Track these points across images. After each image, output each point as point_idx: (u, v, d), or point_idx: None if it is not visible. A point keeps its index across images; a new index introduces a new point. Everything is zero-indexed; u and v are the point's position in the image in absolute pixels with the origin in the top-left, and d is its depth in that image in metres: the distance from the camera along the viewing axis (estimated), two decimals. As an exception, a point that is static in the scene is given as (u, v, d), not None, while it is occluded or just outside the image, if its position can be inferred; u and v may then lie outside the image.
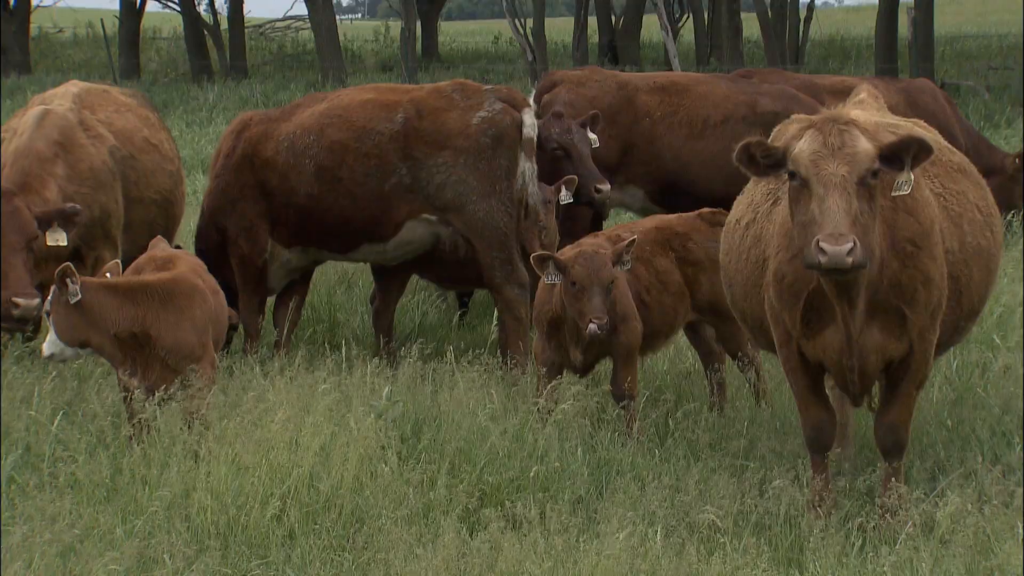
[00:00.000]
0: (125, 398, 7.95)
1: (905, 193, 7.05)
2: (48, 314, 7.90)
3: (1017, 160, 14.28)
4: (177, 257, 8.64)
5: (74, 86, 10.69)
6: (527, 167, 10.15)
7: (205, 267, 8.72)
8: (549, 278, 8.37)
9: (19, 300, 8.83)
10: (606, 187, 10.59)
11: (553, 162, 10.64)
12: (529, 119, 10.18)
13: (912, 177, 7.02)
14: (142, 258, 8.79)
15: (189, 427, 7.65)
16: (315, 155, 10.21)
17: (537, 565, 6.51)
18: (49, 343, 7.91)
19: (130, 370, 7.94)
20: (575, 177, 10.31)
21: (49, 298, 7.90)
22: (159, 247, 8.92)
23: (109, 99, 10.72)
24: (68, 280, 7.82)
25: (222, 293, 8.62)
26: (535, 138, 10.19)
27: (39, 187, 9.53)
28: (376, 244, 10.31)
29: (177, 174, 10.91)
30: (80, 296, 7.82)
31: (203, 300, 8.15)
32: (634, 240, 8.54)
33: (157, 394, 7.78)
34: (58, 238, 9.22)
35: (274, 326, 10.66)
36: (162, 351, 7.94)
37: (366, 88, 10.77)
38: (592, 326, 8.17)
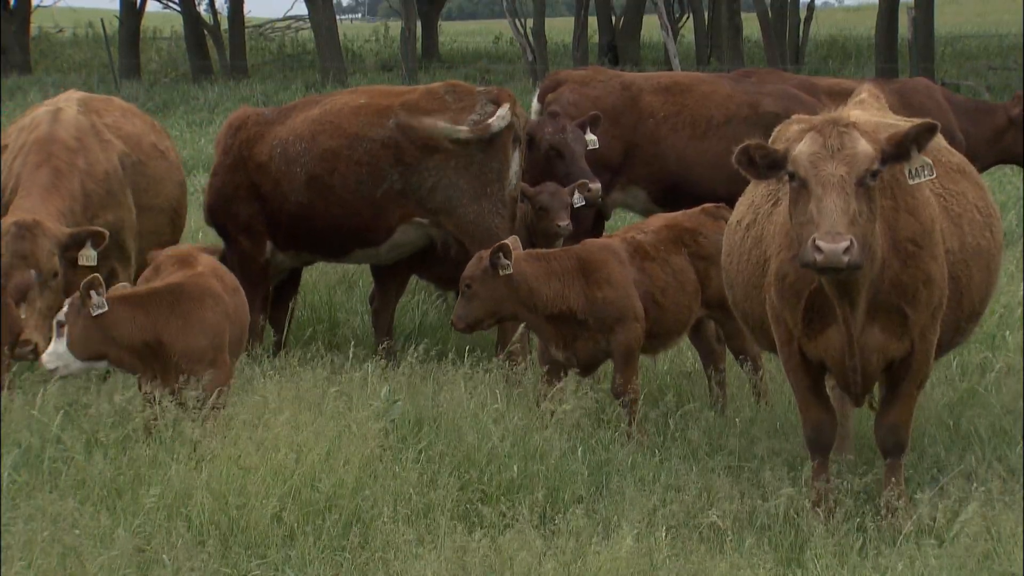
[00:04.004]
0: (146, 396, 7.92)
1: (931, 176, 7.05)
2: (60, 326, 7.80)
3: (1018, 109, 14.17)
4: (197, 255, 8.60)
5: (76, 93, 10.43)
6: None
7: (224, 267, 8.68)
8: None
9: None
10: (597, 187, 10.53)
11: (546, 162, 10.62)
12: (502, 112, 10.09)
13: (929, 160, 7.03)
14: (162, 256, 8.75)
15: (206, 430, 7.64)
16: (306, 163, 10.17)
17: (537, 565, 6.51)
18: (55, 356, 7.78)
19: (150, 378, 7.90)
20: (592, 185, 10.30)
21: (63, 310, 7.82)
22: (186, 248, 8.93)
23: (113, 104, 10.51)
24: (94, 292, 7.74)
25: (243, 294, 8.59)
26: (497, 131, 10.05)
27: (67, 178, 9.30)
28: (369, 248, 10.31)
29: (183, 183, 10.65)
30: (105, 309, 7.76)
31: (215, 302, 8.12)
32: (505, 244, 8.59)
33: (168, 396, 7.76)
34: (89, 256, 8.97)
35: (271, 327, 10.65)
36: (175, 357, 7.92)
37: (359, 92, 10.70)
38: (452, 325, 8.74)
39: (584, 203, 10.27)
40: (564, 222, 9.97)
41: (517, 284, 8.54)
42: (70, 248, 8.96)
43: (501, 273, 8.51)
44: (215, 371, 7.96)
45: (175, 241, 10.33)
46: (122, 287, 8.36)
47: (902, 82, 14.62)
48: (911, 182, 7.07)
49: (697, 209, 9.35)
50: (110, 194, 9.60)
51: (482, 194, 10.07)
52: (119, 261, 9.57)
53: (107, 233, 9.09)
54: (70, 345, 7.79)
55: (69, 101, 10.08)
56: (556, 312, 8.60)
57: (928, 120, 7.06)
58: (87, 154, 9.57)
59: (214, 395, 7.82)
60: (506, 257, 8.49)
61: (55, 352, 7.81)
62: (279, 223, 10.31)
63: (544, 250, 9.07)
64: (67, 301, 7.84)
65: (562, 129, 10.71)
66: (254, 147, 10.34)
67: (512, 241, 8.74)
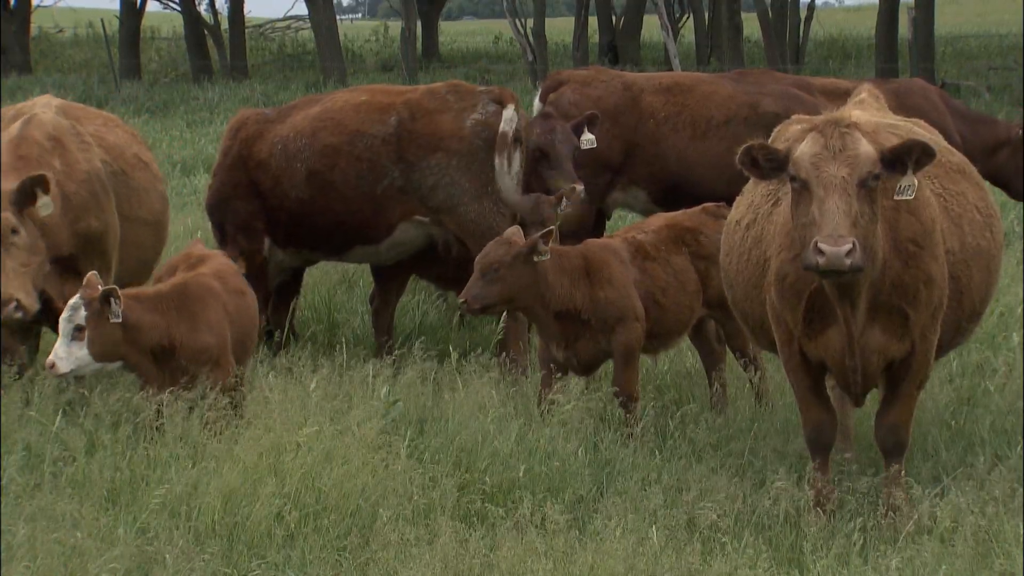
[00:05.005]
0: (146, 397, 7.89)
1: (909, 198, 7.04)
2: (79, 330, 7.73)
3: (1021, 131, 14.15)
4: (208, 257, 8.60)
5: (53, 100, 9.77)
6: (502, 163, 10.17)
7: (236, 270, 8.65)
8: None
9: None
10: (579, 188, 10.48)
11: (532, 163, 10.62)
12: (508, 114, 10.12)
13: (916, 181, 7.02)
14: (176, 257, 8.71)
15: (205, 426, 7.65)
16: (307, 159, 10.21)
17: (537, 565, 6.51)
18: (72, 359, 7.73)
19: (160, 379, 7.88)
20: (575, 187, 10.29)
21: (80, 314, 7.73)
22: (196, 248, 8.90)
23: (92, 113, 10.07)
24: (112, 300, 7.73)
25: (250, 295, 8.58)
26: (509, 133, 10.10)
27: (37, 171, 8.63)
28: (369, 246, 10.33)
29: (165, 195, 10.20)
30: (120, 319, 7.76)
31: (217, 302, 8.13)
32: (551, 231, 8.59)
33: (175, 396, 7.77)
34: (46, 204, 8.53)
35: (272, 327, 10.65)
36: (184, 359, 7.92)
37: (360, 90, 10.75)
38: (462, 304, 8.50)
39: (571, 208, 10.29)
40: None
41: (541, 275, 8.52)
42: (21, 202, 8.52)
43: (536, 260, 8.49)
44: (219, 370, 7.98)
45: (158, 254, 10.01)
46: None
47: (898, 82, 14.61)
48: (895, 197, 7.06)
49: (698, 208, 9.35)
50: (93, 196, 9.16)
51: (483, 193, 10.08)
52: (101, 268, 9.01)
53: (49, 175, 8.57)
54: (91, 347, 7.76)
55: (47, 107, 9.55)
56: (563, 309, 8.60)
57: (931, 146, 7.03)
58: (64, 154, 9.08)
59: (216, 393, 7.84)
60: (545, 244, 8.49)
61: (71, 355, 7.75)
62: (279, 220, 10.34)
63: (555, 246, 9.06)
64: (82, 303, 7.77)
65: (551, 130, 10.68)
66: (254, 145, 10.39)
67: (514, 231, 8.75)
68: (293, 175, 10.25)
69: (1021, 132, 13.90)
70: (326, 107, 10.40)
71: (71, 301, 7.85)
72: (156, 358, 7.92)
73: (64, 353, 7.77)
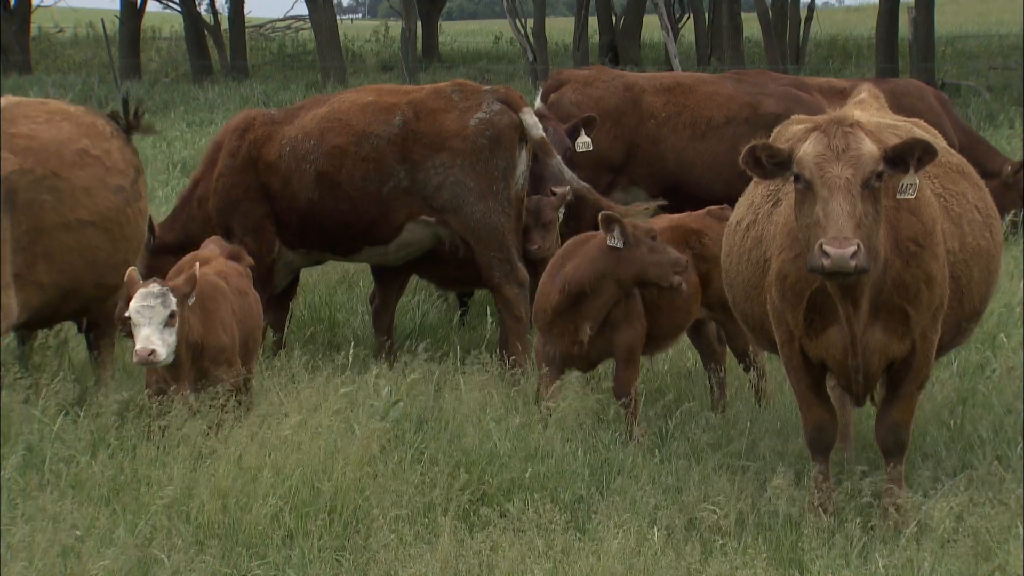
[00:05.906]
0: (153, 396, 7.87)
1: (911, 197, 7.04)
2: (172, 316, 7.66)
3: (1014, 167, 14.23)
4: (212, 258, 8.57)
5: (3, 100, 9.03)
6: (535, 167, 10.20)
7: (240, 271, 8.59)
8: (612, 241, 8.48)
9: None
10: (564, 190, 10.51)
11: None
12: (530, 119, 10.17)
13: (917, 181, 7.02)
14: (187, 258, 8.64)
15: (212, 427, 7.65)
16: (315, 160, 10.24)
17: (536, 565, 6.51)
18: (166, 345, 7.63)
19: (186, 379, 7.84)
20: (568, 189, 10.33)
21: (171, 301, 7.66)
22: (210, 247, 8.87)
23: (41, 109, 9.11)
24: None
25: (252, 296, 8.55)
26: (545, 136, 10.16)
27: None
28: (378, 247, 10.34)
29: (129, 189, 9.14)
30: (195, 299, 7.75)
31: (226, 302, 8.12)
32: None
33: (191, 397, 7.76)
34: None
35: (271, 327, 10.65)
36: (207, 360, 7.91)
37: (367, 90, 10.76)
38: (677, 278, 8.43)
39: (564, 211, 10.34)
40: (535, 246, 10.13)
41: None
42: None
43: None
44: (230, 372, 7.97)
45: (118, 256, 8.97)
46: None
47: (894, 83, 14.62)
48: (897, 196, 7.06)
49: (702, 211, 9.35)
50: None
51: (488, 192, 10.09)
52: None
53: None
54: (179, 335, 7.71)
55: None
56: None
57: (933, 145, 7.03)
58: None
59: (224, 395, 7.84)
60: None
61: (166, 342, 7.66)
62: (289, 222, 10.36)
63: (577, 238, 9.05)
64: (168, 290, 7.70)
65: (543, 131, 10.69)
66: (263, 147, 10.40)
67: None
68: (302, 176, 10.27)
69: (1013, 168, 13.94)
70: (333, 107, 10.43)
71: (151, 289, 7.68)
72: (192, 355, 7.89)
73: (159, 340, 7.62)
